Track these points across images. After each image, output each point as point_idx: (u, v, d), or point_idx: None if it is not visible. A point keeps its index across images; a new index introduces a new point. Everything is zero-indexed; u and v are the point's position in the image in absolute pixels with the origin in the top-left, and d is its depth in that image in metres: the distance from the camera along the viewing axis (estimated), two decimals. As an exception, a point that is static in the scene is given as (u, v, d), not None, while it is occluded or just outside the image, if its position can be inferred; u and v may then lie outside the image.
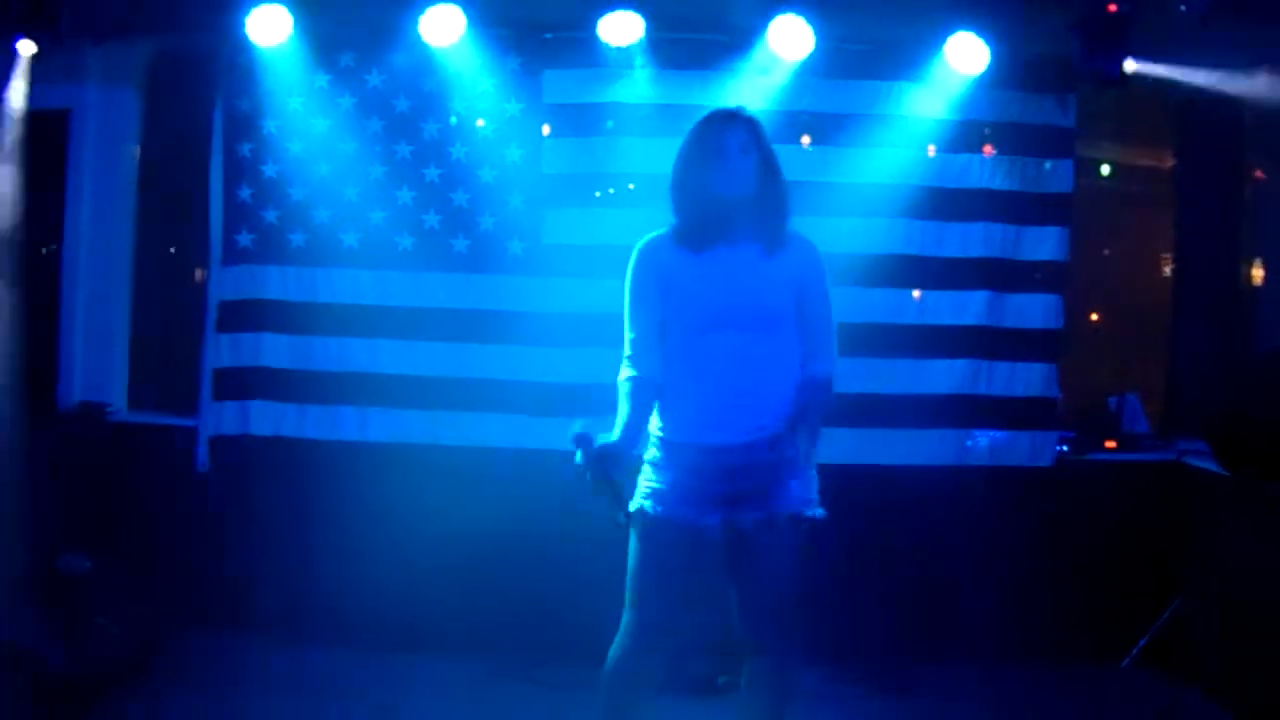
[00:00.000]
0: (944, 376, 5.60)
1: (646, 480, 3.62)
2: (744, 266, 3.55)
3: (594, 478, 3.40)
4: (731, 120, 3.61)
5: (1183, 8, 5.11)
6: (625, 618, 3.62)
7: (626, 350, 3.62)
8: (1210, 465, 5.45)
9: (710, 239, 3.56)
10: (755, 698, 3.70)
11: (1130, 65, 5.30)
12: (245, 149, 5.61)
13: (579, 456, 3.40)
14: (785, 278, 3.58)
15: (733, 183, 3.53)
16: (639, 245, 3.64)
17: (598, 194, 5.57)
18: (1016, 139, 5.63)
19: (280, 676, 5.13)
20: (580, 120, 5.55)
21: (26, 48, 5.30)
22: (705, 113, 3.70)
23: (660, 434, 3.60)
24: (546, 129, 5.60)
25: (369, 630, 5.41)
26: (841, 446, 5.50)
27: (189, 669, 5.13)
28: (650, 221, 3.70)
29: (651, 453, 3.63)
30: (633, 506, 3.60)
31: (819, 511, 3.58)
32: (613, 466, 3.42)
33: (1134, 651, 5.52)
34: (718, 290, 3.53)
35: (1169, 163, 6.21)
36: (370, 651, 5.37)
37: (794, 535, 3.53)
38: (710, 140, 3.57)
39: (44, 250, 6.03)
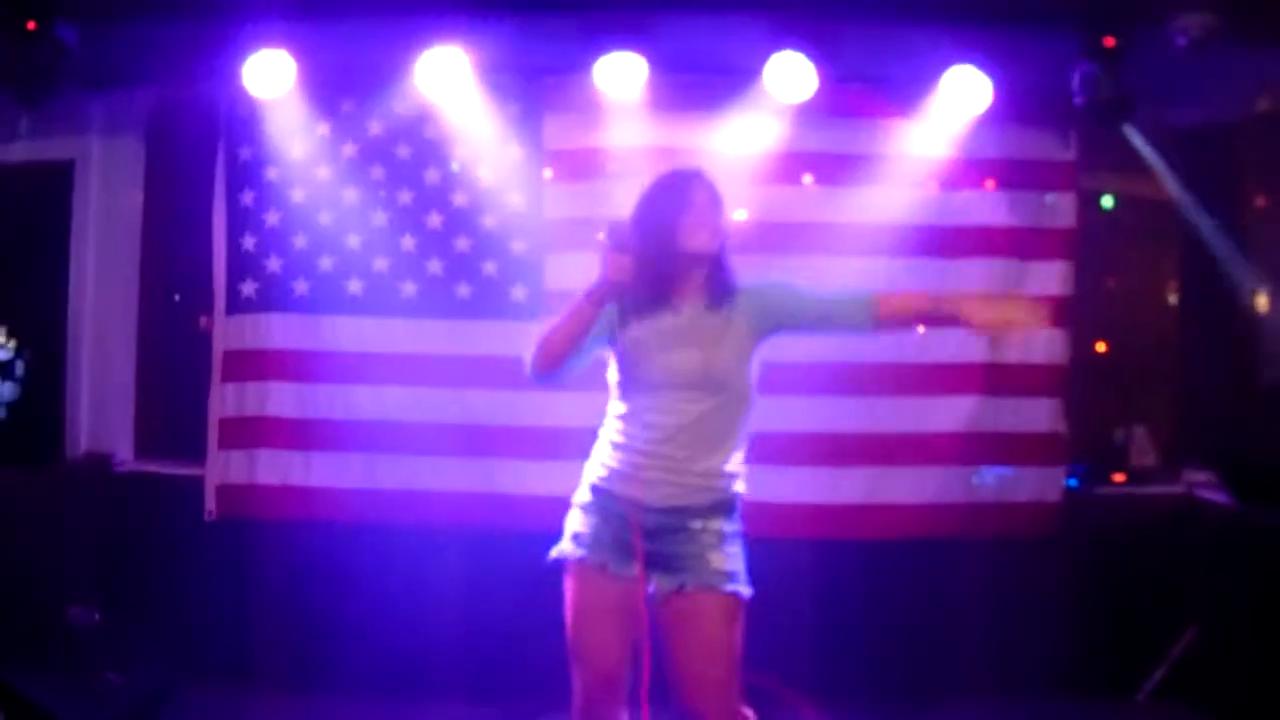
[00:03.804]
0: (949, 413, 5.56)
1: (571, 524, 3.62)
2: (691, 324, 3.50)
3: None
4: (700, 177, 3.60)
5: (1179, 40, 5.12)
6: (573, 674, 3.58)
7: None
8: (1220, 497, 5.46)
9: (664, 296, 3.51)
10: None
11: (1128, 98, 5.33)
12: (248, 198, 5.61)
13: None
14: (735, 333, 3.53)
15: (708, 240, 3.50)
16: None
17: (600, 238, 5.54)
18: (1018, 174, 5.63)
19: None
20: (581, 164, 5.56)
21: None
22: (703, 155, 3.73)
23: (592, 479, 3.60)
24: (548, 173, 5.60)
25: (378, 679, 5.39)
26: (848, 486, 5.54)
27: (197, 721, 5.12)
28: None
29: (581, 495, 3.62)
30: (556, 551, 3.61)
31: (741, 589, 3.51)
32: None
33: (1149, 683, 5.49)
34: (665, 349, 3.47)
35: (1170, 193, 6.21)
36: (379, 701, 5.35)
37: (708, 609, 3.47)
38: (681, 194, 3.53)
39: (49, 300, 6.05)
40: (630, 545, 3.49)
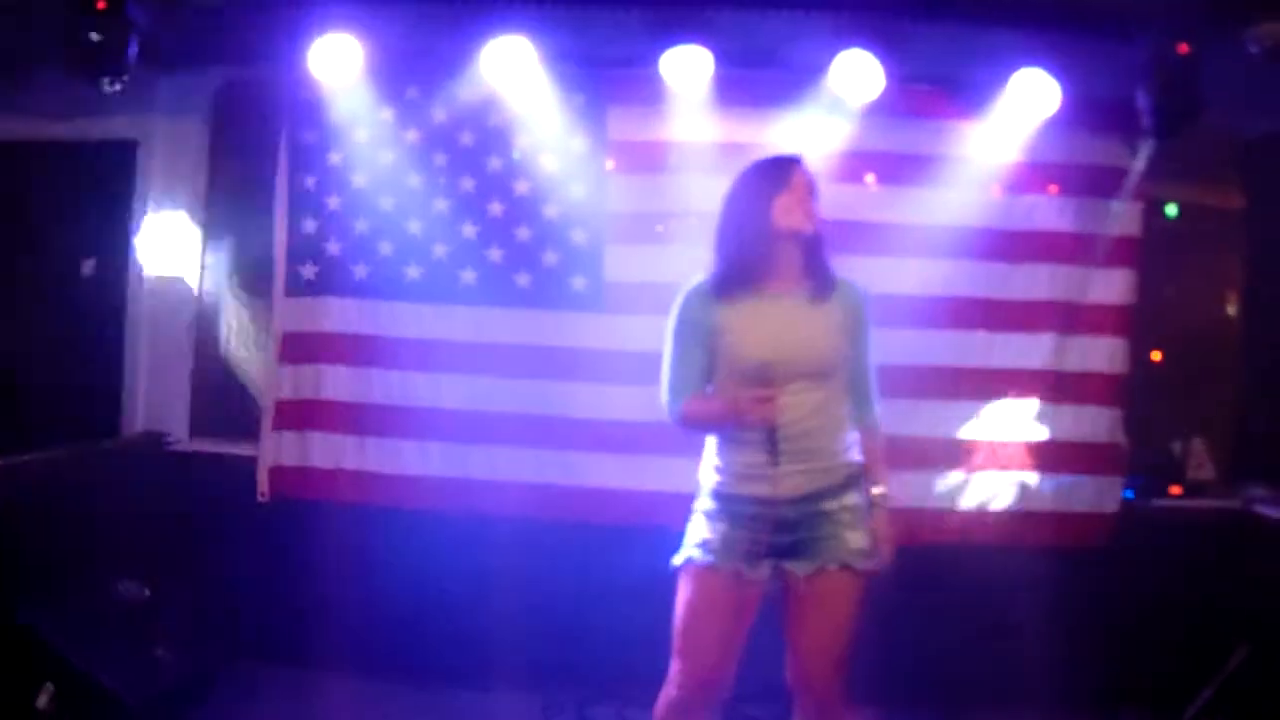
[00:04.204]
0: (1008, 419, 5.53)
1: (697, 530, 3.63)
2: (796, 314, 3.55)
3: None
4: (799, 162, 3.67)
5: (1254, 49, 5.05)
6: (673, 668, 3.63)
7: (666, 394, 3.65)
8: (1277, 512, 5.38)
9: (759, 283, 3.56)
10: None
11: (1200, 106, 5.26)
12: (310, 181, 5.63)
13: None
14: (836, 324, 3.59)
15: (803, 220, 3.55)
16: (686, 290, 3.66)
17: (660, 230, 5.52)
18: (1083, 180, 5.56)
19: (338, 709, 5.15)
20: (644, 157, 5.54)
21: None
22: (766, 151, 3.75)
23: (712, 485, 3.63)
24: (610, 165, 5.58)
25: (426, 664, 5.41)
26: (904, 488, 5.48)
27: (246, 700, 5.14)
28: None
29: (704, 503, 3.64)
30: (681, 557, 3.62)
31: (873, 563, 3.60)
32: None
33: (1198, 702, 5.41)
34: (772, 339, 3.52)
35: (1236, 203, 6.13)
36: (428, 685, 5.37)
37: (845, 587, 3.55)
38: (779, 176, 3.60)
39: (110, 277, 6.08)
40: (764, 546, 3.54)
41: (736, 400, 3.46)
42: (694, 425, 3.64)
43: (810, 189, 3.60)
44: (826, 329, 3.58)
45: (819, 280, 3.61)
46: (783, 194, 3.56)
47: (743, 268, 3.57)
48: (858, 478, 3.62)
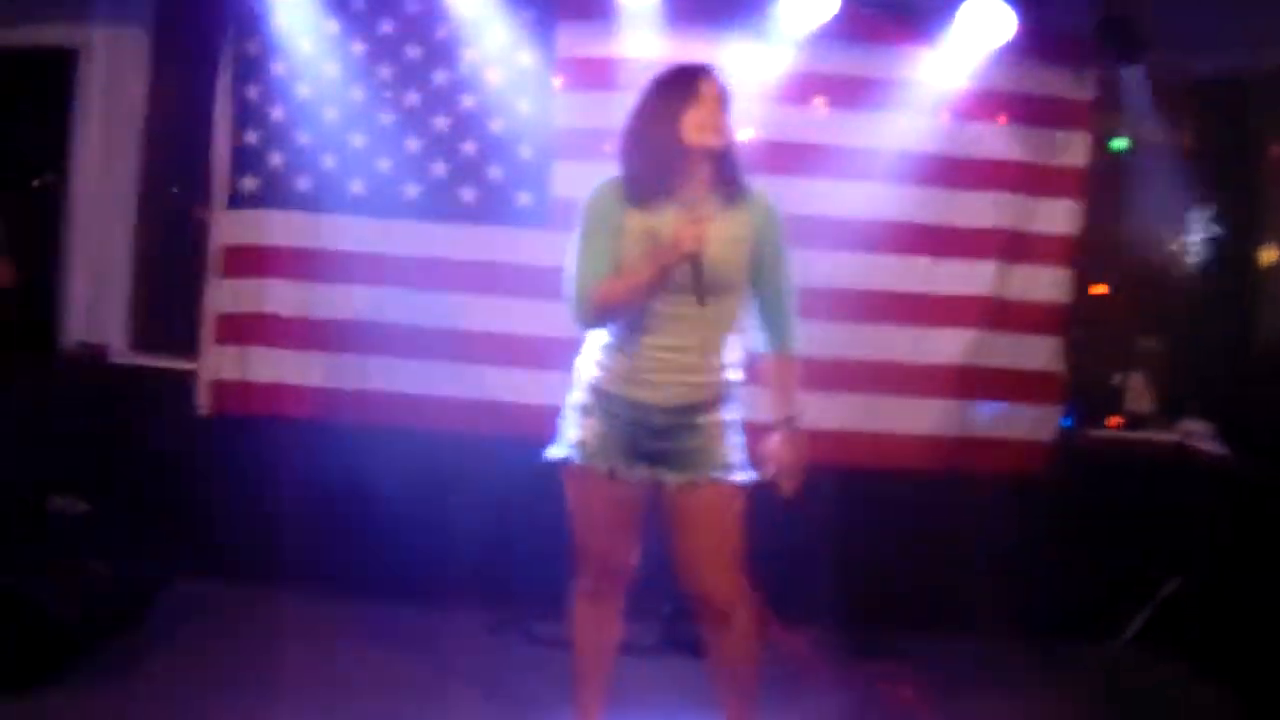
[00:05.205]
0: (949, 345, 5.54)
1: (571, 427, 3.64)
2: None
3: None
4: (708, 72, 3.57)
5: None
6: (576, 560, 3.74)
7: (575, 292, 3.54)
8: (1211, 446, 5.46)
9: (666, 193, 3.49)
10: (716, 660, 3.76)
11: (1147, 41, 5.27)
12: (253, 92, 5.52)
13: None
14: (743, 235, 3.53)
15: (714, 136, 3.49)
16: (596, 189, 3.60)
17: (608, 148, 5.45)
18: (1032, 109, 5.55)
19: (281, 625, 5.11)
20: (593, 73, 5.45)
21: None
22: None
23: (590, 380, 3.60)
24: (558, 81, 5.52)
25: (364, 580, 5.41)
26: (843, 412, 5.51)
27: (187, 617, 5.10)
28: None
29: (578, 397, 3.63)
30: (559, 455, 3.66)
31: (746, 475, 3.60)
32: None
33: (1132, 628, 5.50)
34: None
35: (1184, 140, 6.15)
36: (374, 602, 5.38)
37: (717, 498, 3.55)
38: (688, 89, 3.52)
39: (45, 187, 5.98)
40: (633, 449, 3.54)
41: (674, 236, 3.34)
42: (612, 308, 3.48)
43: (721, 100, 3.51)
44: (735, 238, 3.51)
45: (729, 190, 3.54)
46: (692, 109, 3.47)
47: (651, 181, 3.50)
48: (731, 395, 3.61)
